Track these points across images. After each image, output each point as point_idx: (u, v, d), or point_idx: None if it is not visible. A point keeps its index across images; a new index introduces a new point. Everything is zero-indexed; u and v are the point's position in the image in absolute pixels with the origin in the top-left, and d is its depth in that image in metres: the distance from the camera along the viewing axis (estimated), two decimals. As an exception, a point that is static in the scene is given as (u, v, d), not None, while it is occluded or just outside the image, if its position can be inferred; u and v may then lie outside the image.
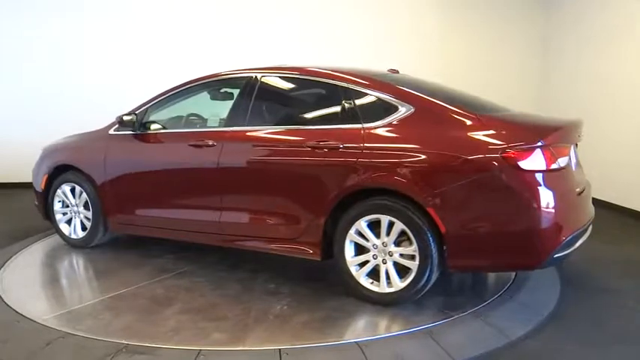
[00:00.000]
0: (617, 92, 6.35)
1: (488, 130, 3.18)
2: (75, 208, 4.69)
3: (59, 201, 4.76)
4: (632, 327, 3.20)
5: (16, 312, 3.33)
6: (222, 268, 4.15)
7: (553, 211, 3.05)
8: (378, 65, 4.35)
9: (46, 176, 4.81)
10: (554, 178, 3.10)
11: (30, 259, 4.52)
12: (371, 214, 3.35)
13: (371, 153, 3.34)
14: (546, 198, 3.03)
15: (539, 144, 3.06)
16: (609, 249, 4.81)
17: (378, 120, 3.43)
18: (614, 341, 3.02)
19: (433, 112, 3.36)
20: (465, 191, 3.14)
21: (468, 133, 3.20)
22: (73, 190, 4.68)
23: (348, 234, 3.42)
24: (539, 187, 3.03)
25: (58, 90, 7.66)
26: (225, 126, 4.06)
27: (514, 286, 3.71)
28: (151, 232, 4.43)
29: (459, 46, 8.13)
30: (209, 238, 4.10)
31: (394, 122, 3.38)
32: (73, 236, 4.72)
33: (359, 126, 3.44)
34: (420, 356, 2.82)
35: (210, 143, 3.93)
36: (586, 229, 3.49)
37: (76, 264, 4.45)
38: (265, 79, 3.98)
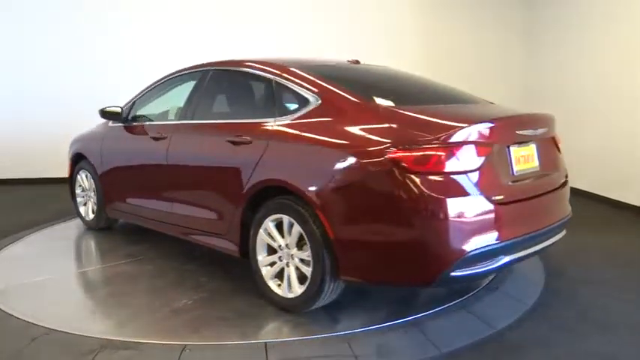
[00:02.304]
0: (601, 83, 6.41)
1: (387, 123, 2.87)
2: (88, 193, 5.12)
3: (79, 186, 5.25)
4: (615, 317, 3.23)
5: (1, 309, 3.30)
6: (180, 259, 4.23)
7: (448, 221, 2.65)
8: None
9: (70, 163, 5.34)
10: (455, 182, 2.69)
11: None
12: (275, 213, 3.19)
13: (273, 149, 3.22)
14: (438, 205, 2.64)
15: (434, 143, 2.70)
16: (593, 239, 4.86)
17: (290, 113, 3.29)
18: (597, 331, 3.04)
19: (336, 105, 3.13)
20: (352, 194, 2.87)
21: (362, 128, 2.94)
22: (87, 177, 5.09)
23: (259, 233, 3.29)
24: (429, 193, 2.64)
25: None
26: (176, 119, 4.18)
27: (499, 277, 3.73)
28: (132, 219, 4.70)
29: (443, 40, 8.20)
30: (169, 229, 4.21)
31: (302, 116, 3.21)
32: (87, 218, 5.21)
33: (271, 120, 3.33)
34: (406, 347, 2.83)
35: (163, 136, 4.08)
36: (535, 239, 3.08)
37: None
38: (208, 74, 4.02)
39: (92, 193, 5.04)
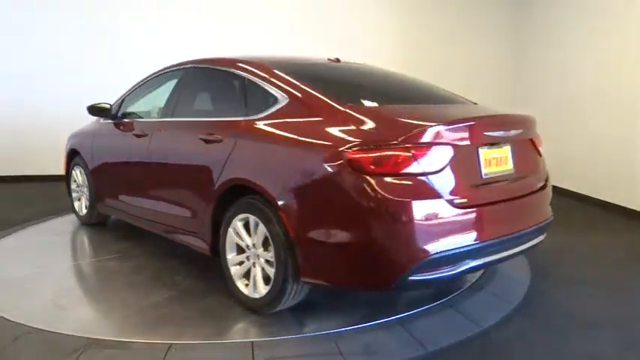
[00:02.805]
0: (589, 83, 6.47)
1: (351, 123, 2.81)
2: (82, 189, 5.18)
3: (74, 181, 5.31)
4: (600, 316, 3.25)
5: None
6: (162, 257, 4.25)
7: (405, 224, 2.58)
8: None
9: (66, 159, 5.41)
10: (414, 184, 2.63)
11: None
12: (243, 213, 3.15)
13: (240, 148, 3.20)
14: (395, 208, 2.58)
15: (393, 144, 2.63)
16: (578, 239, 4.90)
17: (259, 112, 3.24)
18: (582, 330, 3.07)
19: (303, 103, 3.08)
20: (312, 195, 2.82)
21: (326, 128, 2.86)
22: (81, 172, 5.15)
23: (228, 232, 3.26)
24: (386, 195, 2.57)
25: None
26: (158, 117, 4.21)
27: (485, 276, 3.74)
28: (120, 216, 4.74)
29: (428, 41, 8.27)
30: (152, 227, 4.21)
31: (269, 114, 3.17)
32: (80, 214, 5.28)
33: (241, 119, 3.31)
34: (391, 345, 2.83)
35: (145, 133, 4.11)
36: (507, 243, 2.98)
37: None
38: (189, 72, 4.03)
39: (85, 189, 5.08)
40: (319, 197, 2.78)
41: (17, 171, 7.85)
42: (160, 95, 4.30)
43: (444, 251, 2.64)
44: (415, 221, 2.60)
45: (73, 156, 5.28)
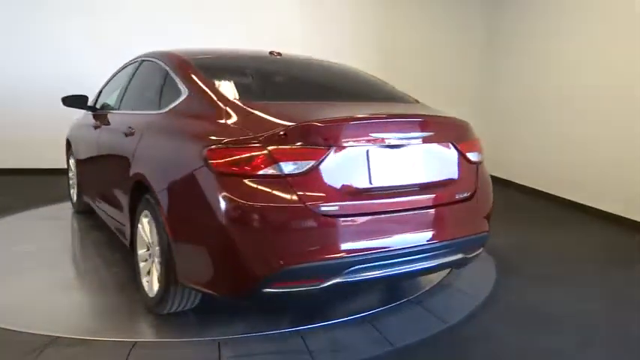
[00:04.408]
0: (562, 82, 6.60)
1: (228, 120, 2.64)
2: (74, 178, 5.31)
3: (70, 170, 5.47)
4: (563, 312, 3.31)
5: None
6: (117, 248, 4.17)
7: (256, 231, 2.38)
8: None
9: (66, 148, 5.57)
10: (270, 187, 2.38)
11: None
12: (145, 209, 3.02)
13: (143, 142, 3.13)
14: (246, 213, 2.37)
15: (252, 142, 2.42)
16: (542, 236, 5.00)
17: (166, 106, 3.13)
18: (546, 326, 3.12)
19: (197, 97, 2.95)
20: (181, 194, 2.68)
21: (205, 124, 2.72)
22: (73, 162, 5.28)
23: (137, 228, 3.15)
24: (237, 199, 2.36)
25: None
26: (111, 109, 4.22)
27: (452, 274, 3.78)
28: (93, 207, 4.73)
29: (402, 38, 8.29)
30: (106, 219, 4.18)
31: (170, 109, 3.07)
32: (73, 201, 5.49)
33: (152, 112, 3.25)
34: (359, 343, 2.82)
35: (98, 125, 4.20)
36: (396, 260, 2.64)
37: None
38: (137, 64, 4.02)
39: (75, 178, 5.25)
40: (186, 198, 2.63)
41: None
42: (118, 87, 4.29)
43: (303, 263, 2.41)
44: (268, 229, 2.39)
45: (69, 146, 5.42)
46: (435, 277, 3.69)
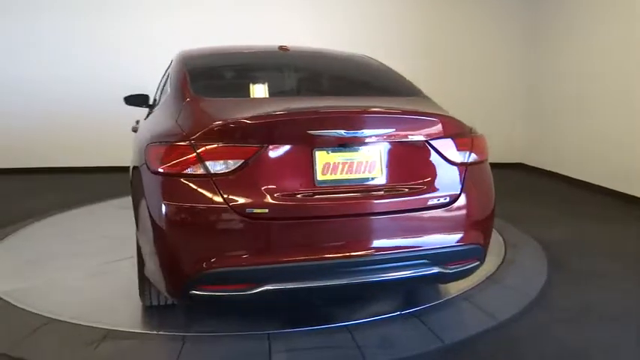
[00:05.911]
0: (607, 81, 6.38)
1: (186, 118, 2.60)
2: None
3: None
4: (616, 309, 3.21)
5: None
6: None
7: (178, 231, 2.37)
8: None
9: None
10: (194, 186, 2.32)
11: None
12: None
13: (136, 137, 3.17)
14: (169, 212, 2.35)
15: (183, 140, 2.37)
16: (598, 231, 4.84)
17: (159, 104, 3.22)
18: (599, 322, 3.03)
19: (170, 96, 2.99)
20: (135, 187, 2.74)
21: (166, 120, 2.72)
22: None
23: None
24: (162, 197, 2.37)
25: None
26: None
27: (502, 269, 3.71)
28: None
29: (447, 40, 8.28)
30: None
31: (161, 103, 3.16)
32: None
33: (153, 110, 3.40)
34: (408, 338, 2.82)
35: None
36: (340, 269, 2.48)
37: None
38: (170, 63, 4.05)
39: None
40: (137, 193, 2.69)
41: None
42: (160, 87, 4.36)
43: (225, 267, 2.34)
44: (191, 230, 2.36)
45: None
46: (485, 273, 3.63)
